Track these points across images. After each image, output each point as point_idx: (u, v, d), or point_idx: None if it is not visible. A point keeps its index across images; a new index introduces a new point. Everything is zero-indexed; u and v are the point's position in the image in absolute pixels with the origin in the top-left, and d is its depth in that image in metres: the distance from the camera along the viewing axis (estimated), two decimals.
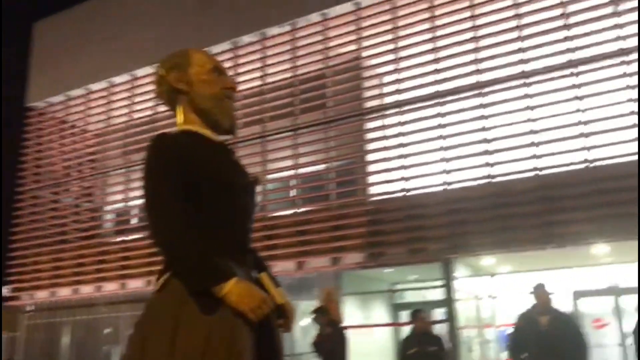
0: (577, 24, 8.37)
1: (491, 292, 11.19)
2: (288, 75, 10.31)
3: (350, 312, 9.64)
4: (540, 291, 6.20)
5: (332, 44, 10.10)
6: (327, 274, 9.42)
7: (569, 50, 8.35)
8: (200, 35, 10.83)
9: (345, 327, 7.00)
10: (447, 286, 8.70)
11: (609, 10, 8.24)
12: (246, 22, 10.69)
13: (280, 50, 10.49)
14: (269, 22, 10.47)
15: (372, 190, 9.53)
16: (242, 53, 10.84)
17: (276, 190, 10.55)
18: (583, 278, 10.44)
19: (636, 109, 7.72)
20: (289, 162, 10.08)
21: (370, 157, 9.62)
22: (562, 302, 9.56)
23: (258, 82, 10.53)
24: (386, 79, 9.81)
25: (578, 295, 10.39)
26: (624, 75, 7.94)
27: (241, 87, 10.35)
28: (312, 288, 9.44)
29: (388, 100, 9.65)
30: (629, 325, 9.27)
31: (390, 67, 9.63)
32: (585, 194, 7.70)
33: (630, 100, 7.79)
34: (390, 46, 9.60)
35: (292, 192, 10.50)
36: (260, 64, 10.63)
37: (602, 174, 7.73)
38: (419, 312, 7.14)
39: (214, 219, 1.94)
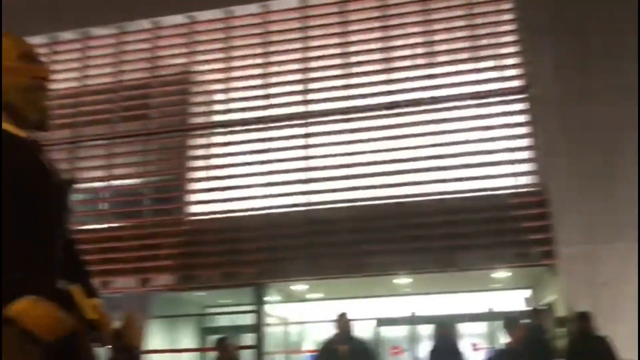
0: (397, 69, 8.94)
1: (302, 318, 11.39)
2: (110, 79, 9.67)
3: (158, 336, 9.17)
4: (341, 320, 6.38)
5: (161, 53, 9.70)
6: (136, 295, 8.86)
7: (391, 92, 8.87)
8: (14, 23, 9.77)
9: (144, 353, 6.60)
10: (258, 311, 8.65)
11: (422, 61, 8.92)
12: (68, 16, 9.85)
13: (104, 53, 9.82)
14: (93, 21, 9.76)
15: (190, 209, 9.23)
16: (61, 50, 9.97)
17: (84, 201, 9.74)
18: (386, 307, 11.04)
19: (439, 153, 8.39)
20: (101, 173, 9.41)
21: (190, 175, 9.33)
22: (365, 330, 10.01)
23: (75, 84, 9.73)
24: (215, 97, 9.65)
25: (380, 323, 10.96)
26: (433, 121, 8.61)
27: (56, 86, 9.47)
28: (118, 309, 8.80)
29: (215, 118, 9.48)
30: (423, 351, 9.98)
31: (221, 86, 9.49)
32: (393, 228, 8.15)
33: (435, 144, 8.45)
34: (222, 65, 9.47)
35: (102, 205, 9.82)
36: (80, 64, 9.85)
37: (409, 210, 8.25)
38: (225, 339, 7.05)
39: (17, 227, 1.70)
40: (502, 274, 8.93)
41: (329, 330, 7.00)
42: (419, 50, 8.93)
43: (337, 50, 9.16)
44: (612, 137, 7.88)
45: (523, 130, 8.40)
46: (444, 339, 7.48)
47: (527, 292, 10.36)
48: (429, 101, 8.69)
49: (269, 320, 8.90)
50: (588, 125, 7.98)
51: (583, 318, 6.32)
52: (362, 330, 8.65)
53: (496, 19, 8.89)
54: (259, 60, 9.35)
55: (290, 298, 10.53)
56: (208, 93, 9.73)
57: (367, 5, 9.17)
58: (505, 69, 8.80)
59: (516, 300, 10.61)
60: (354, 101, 8.93)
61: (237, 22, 9.52)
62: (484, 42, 8.81)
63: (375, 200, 8.46)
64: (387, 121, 8.77)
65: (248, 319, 9.02)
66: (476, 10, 8.83)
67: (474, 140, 8.41)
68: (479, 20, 8.82)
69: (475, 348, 11.00)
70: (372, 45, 9.08)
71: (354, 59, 9.08)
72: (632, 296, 7.18)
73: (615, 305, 7.11)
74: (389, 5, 9.07)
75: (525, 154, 8.37)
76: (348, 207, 8.49)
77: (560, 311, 7.67)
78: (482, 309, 10.96)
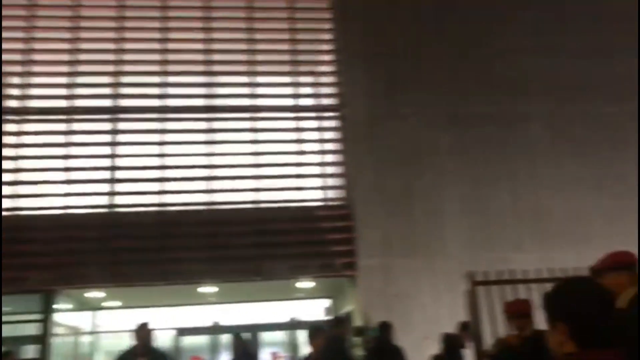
0: (217, 73, 8.80)
1: (98, 327, 10.62)
2: None
3: None
4: (142, 330, 6.01)
5: None
6: None
7: (207, 95, 8.70)
8: None
9: None
10: (45, 320, 7.82)
11: (242, 68, 8.89)
12: None
13: None
14: None
15: None
16: None
17: None
18: (190, 316, 10.73)
19: (251, 161, 8.39)
20: None
21: None
22: (166, 340, 9.62)
23: None
24: (11, 80, 8.64)
25: (181, 332, 10.60)
26: (247, 129, 8.59)
27: None
28: None
29: (9, 104, 8.48)
30: None
31: (18, 69, 8.53)
32: (199, 235, 7.93)
33: (247, 153, 8.43)
34: (21, 46, 8.51)
35: None
36: None
37: (216, 217, 8.09)
38: (10, 354, 6.27)
39: None
40: (305, 283, 9.16)
41: (127, 341, 6.57)
42: (240, 57, 8.88)
43: (155, 46, 8.74)
44: (413, 160, 8.53)
45: (333, 146, 8.74)
46: (244, 348, 7.45)
47: (328, 302, 10.76)
48: (246, 109, 8.67)
49: (57, 330, 8.11)
50: (392, 147, 8.55)
51: (383, 328, 6.64)
52: (162, 340, 8.26)
53: (315, 38, 9.17)
54: (65, 46, 8.56)
55: (83, 306, 9.75)
56: (2, 76, 8.69)
57: (189, 4, 8.91)
58: (321, 87, 9.11)
59: (317, 310, 10.97)
60: (169, 100, 8.59)
61: (44, 1, 8.65)
62: (302, 57, 9.04)
63: (182, 205, 8.18)
64: (201, 125, 8.57)
65: (33, 329, 8.13)
66: (298, 25, 9.03)
67: (286, 152, 8.55)
68: (300, 36, 9.03)
69: (275, 357, 11.14)
70: (193, 46, 8.83)
71: (171, 56, 8.73)
72: (421, 307, 7.79)
73: (406, 316, 7.65)
74: (212, 7, 8.91)
75: (334, 169, 8.70)
76: (153, 211, 8.09)
77: (358, 321, 8.05)
78: (284, 318, 11.15)
